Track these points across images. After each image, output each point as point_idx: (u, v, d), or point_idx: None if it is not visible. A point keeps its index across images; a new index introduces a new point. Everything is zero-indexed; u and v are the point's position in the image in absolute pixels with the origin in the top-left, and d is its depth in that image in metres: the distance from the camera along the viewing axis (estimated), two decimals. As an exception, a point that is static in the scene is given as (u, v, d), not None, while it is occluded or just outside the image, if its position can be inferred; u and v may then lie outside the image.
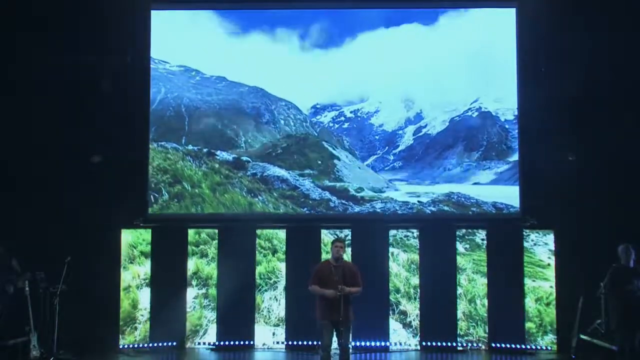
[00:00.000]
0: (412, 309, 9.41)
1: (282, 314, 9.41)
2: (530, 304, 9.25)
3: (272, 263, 9.47)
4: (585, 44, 9.28)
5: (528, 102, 9.62)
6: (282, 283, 9.46)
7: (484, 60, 9.70)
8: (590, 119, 9.37)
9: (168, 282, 9.46)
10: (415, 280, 9.43)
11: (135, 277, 9.43)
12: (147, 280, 9.42)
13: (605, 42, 9.28)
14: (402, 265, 9.47)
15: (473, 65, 9.71)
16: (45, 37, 9.47)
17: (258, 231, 9.60)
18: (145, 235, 9.56)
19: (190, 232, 9.63)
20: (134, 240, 9.54)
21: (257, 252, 9.50)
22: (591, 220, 9.12)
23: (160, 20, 9.87)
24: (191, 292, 9.51)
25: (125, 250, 9.48)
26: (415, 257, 9.48)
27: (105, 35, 9.50)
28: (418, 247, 9.51)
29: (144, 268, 9.44)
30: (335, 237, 8.90)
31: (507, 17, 9.70)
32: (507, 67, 9.65)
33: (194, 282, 9.51)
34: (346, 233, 9.50)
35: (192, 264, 9.56)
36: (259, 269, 9.45)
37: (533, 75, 9.57)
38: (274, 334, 9.43)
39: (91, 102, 9.59)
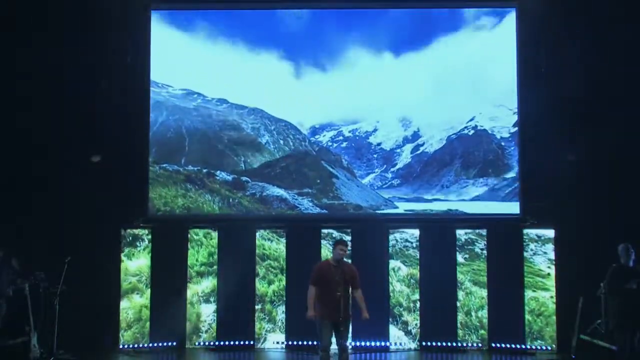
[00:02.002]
0: (412, 320, 9.47)
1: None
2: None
3: (282, 282, 9.55)
4: (585, 43, 9.29)
5: (528, 102, 9.62)
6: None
7: (479, 80, 9.80)
8: (590, 119, 9.37)
9: (168, 282, 9.47)
10: (416, 296, 9.48)
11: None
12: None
13: (605, 42, 9.28)
14: (403, 280, 9.54)
15: (468, 84, 9.80)
16: (45, 36, 9.48)
17: (265, 251, 9.64)
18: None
19: (204, 252, 9.65)
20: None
21: (269, 272, 9.58)
22: (591, 220, 9.12)
23: (163, 45, 9.90)
24: (211, 308, 9.58)
25: (146, 272, 9.56)
26: (415, 271, 9.55)
27: (105, 35, 9.51)
28: (418, 257, 9.55)
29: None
30: (340, 238, 8.83)
31: (502, 37, 9.75)
32: (502, 87, 9.78)
33: (212, 299, 9.59)
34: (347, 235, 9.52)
35: (209, 283, 9.61)
36: (272, 287, 9.53)
37: (533, 75, 9.58)
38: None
39: (91, 102, 9.60)
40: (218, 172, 9.92)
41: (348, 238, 9.44)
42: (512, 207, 9.74)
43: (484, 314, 9.38)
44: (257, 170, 9.97)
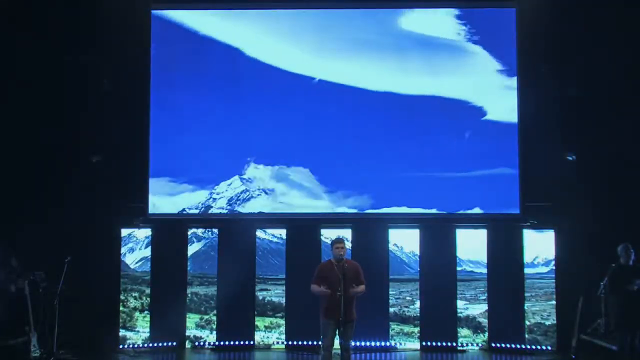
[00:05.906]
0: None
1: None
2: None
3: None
4: (585, 43, 9.30)
5: (528, 102, 9.62)
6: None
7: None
8: (590, 119, 9.38)
9: (168, 282, 9.49)
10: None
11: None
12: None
13: (605, 41, 9.29)
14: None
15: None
16: (46, 37, 9.48)
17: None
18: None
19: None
20: None
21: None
22: (591, 220, 9.11)
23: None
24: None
25: None
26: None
27: (105, 35, 9.51)
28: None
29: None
30: (336, 237, 8.85)
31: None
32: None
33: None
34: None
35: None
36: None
37: (533, 75, 9.59)
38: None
39: (92, 102, 9.61)
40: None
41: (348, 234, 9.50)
42: (512, 208, 9.74)
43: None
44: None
